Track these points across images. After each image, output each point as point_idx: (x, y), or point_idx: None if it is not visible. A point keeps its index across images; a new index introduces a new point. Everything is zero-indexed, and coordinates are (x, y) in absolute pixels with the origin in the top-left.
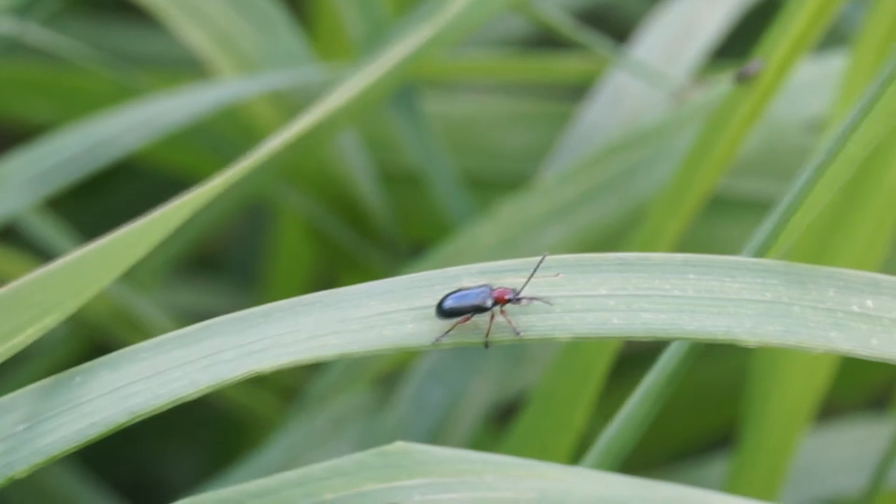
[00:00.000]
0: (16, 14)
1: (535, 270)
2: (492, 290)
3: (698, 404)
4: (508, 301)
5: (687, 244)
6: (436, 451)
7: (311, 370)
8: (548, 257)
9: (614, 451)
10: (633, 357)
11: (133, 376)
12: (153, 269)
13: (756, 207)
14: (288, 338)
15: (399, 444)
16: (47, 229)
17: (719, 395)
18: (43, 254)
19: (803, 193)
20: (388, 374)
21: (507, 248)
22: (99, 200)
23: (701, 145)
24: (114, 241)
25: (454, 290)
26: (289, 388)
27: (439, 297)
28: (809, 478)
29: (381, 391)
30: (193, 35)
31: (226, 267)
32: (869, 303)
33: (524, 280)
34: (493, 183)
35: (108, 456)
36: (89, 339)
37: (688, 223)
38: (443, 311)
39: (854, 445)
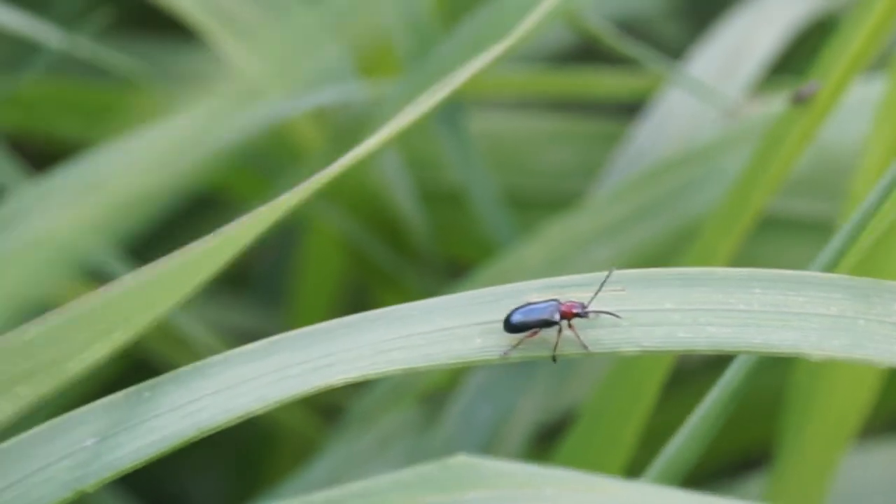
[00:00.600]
0: (64, 29)
1: (602, 285)
2: (559, 304)
3: (734, 420)
4: (576, 315)
5: (737, 263)
6: (497, 464)
7: (352, 389)
8: (613, 272)
9: (676, 467)
10: (680, 375)
11: (200, 392)
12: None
13: (806, 227)
14: (354, 353)
15: (461, 458)
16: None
17: (756, 411)
18: (91, 274)
19: (870, 213)
20: (432, 393)
21: (554, 268)
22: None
23: (756, 165)
24: (183, 263)
25: (522, 304)
26: (327, 406)
27: (506, 312)
28: (849, 499)
29: (427, 410)
30: (236, 51)
31: (253, 283)
32: None
33: (590, 295)
34: (536, 202)
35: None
36: (129, 356)
37: (740, 243)
38: (510, 326)
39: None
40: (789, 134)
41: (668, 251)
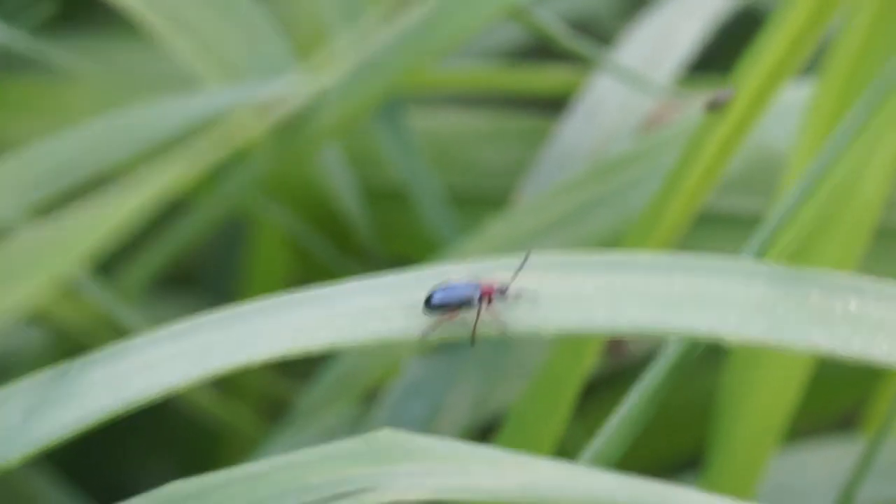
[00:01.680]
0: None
1: (521, 265)
2: (479, 284)
3: (666, 425)
4: (495, 294)
5: None
6: (423, 439)
7: (292, 385)
8: (534, 257)
9: (608, 454)
10: (608, 379)
11: (126, 368)
12: (137, 281)
13: (743, 224)
14: (278, 332)
15: (387, 432)
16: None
17: (687, 415)
18: None
19: (788, 215)
20: (374, 390)
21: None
22: None
23: (676, 172)
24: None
25: (442, 284)
26: (270, 403)
27: (427, 292)
28: (778, 499)
29: (365, 408)
30: (178, 44)
31: (199, 284)
32: (853, 305)
33: (510, 276)
34: (478, 199)
35: (78, 462)
36: (72, 351)
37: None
38: (431, 306)
39: (823, 467)
40: (708, 141)
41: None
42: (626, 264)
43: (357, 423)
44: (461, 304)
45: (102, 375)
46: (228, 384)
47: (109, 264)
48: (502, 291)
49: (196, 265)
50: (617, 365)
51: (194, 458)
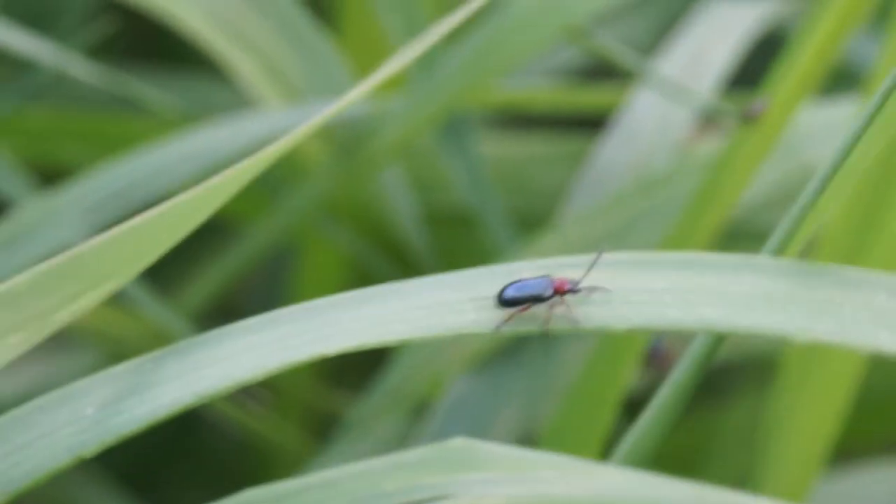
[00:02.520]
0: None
1: (593, 263)
2: (552, 280)
3: (715, 450)
4: (568, 291)
5: None
6: (494, 447)
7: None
8: (605, 255)
9: (642, 450)
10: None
11: (200, 362)
12: (196, 303)
13: None
14: (352, 324)
15: (459, 441)
16: None
17: (737, 441)
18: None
19: (815, 196)
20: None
21: None
22: None
23: (708, 186)
24: (166, 212)
25: (514, 280)
26: (316, 419)
27: (499, 288)
28: None
29: (412, 424)
30: (241, 67)
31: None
32: None
33: (582, 274)
34: (527, 221)
35: (126, 481)
36: None
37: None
38: (503, 301)
39: (874, 487)
40: (741, 152)
41: None
42: (695, 263)
43: (406, 438)
44: (533, 300)
45: (175, 369)
46: (275, 398)
47: (167, 288)
48: (574, 287)
49: (240, 298)
50: (660, 377)
51: (243, 478)
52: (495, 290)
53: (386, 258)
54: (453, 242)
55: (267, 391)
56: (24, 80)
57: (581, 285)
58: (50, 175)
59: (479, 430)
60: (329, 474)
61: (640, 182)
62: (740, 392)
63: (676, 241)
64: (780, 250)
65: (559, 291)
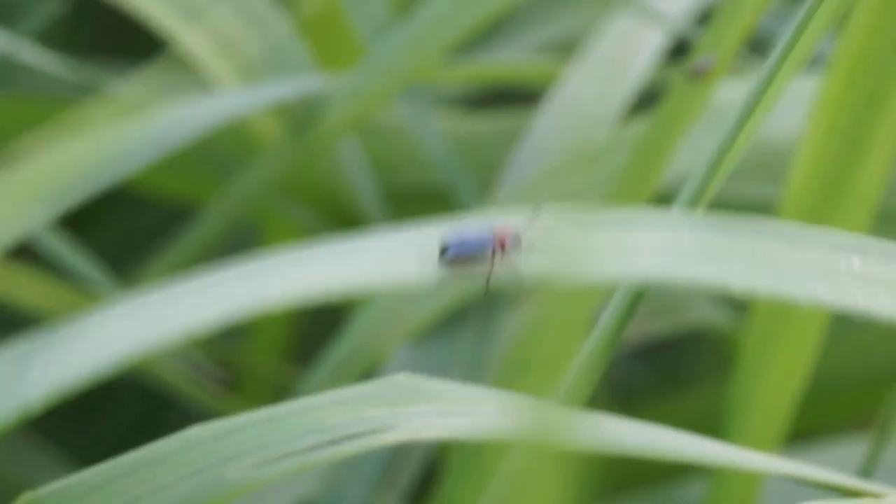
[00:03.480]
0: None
1: (534, 215)
2: (493, 233)
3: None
4: (509, 244)
5: None
6: (436, 383)
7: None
8: (545, 214)
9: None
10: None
11: (145, 318)
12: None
13: (750, 209)
14: (298, 278)
15: (402, 376)
16: (60, 248)
17: (701, 419)
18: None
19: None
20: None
21: None
22: (102, 233)
23: (646, 148)
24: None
25: (458, 233)
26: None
27: (442, 241)
28: (787, 497)
29: None
30: (193, 41)
31: None
32: (856, 261)
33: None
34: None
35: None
36: None
37: None
38: (447, 255)
39: (832, 464)
40: (683, 111)
41: None
42: (636, 220)
43: None
44: (476, 254)
45: (120, 328)
46: (233, 376)
47: (125, 268)
48: (516, 240)
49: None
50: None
51: None
52: (439, 244)
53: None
54: (411, 219)
55: (225, 370)
56: None
57: (523, 239)
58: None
59: None
60: (272, 411)
61: (576, 156)
62: (697, 378)
63: (620, 195)
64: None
65: (501, 244)
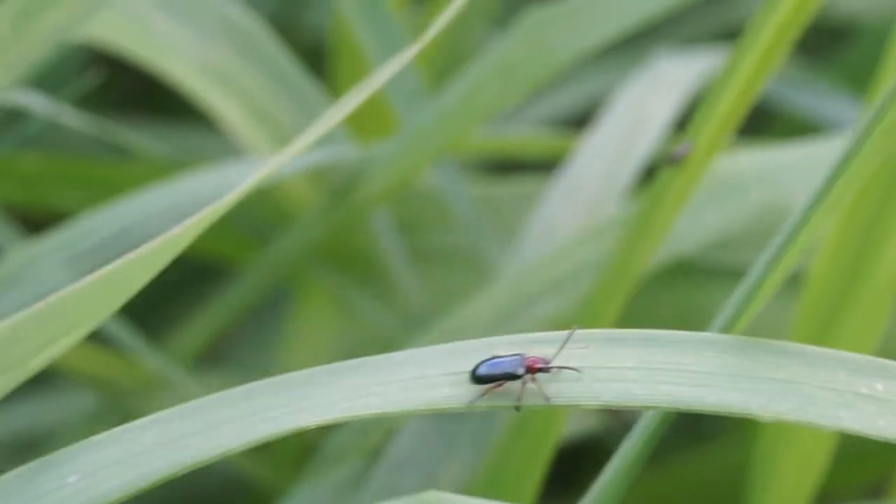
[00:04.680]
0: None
1: (565, 342)
2: (524, 358)
3: (698, 500)
4: (539, 370)
5: (684, 313)
6: (469, 500)
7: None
8: (576, 331)
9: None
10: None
11: (181, 431)
12: (188, 351)
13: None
14: (330, 398)
15: (433, 493)
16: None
17: (720, 490)
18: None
19: (772, 264)
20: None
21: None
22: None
23: (635, 230)
24: (132, 261)
25: (488, 357)
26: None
27: (473, 365)
28: None
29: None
30: (229, 112)
31: (235, 362)
32: (878, 386)
33: (553, 351)
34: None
35: None
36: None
37: (631, 296)
38: (477, 378)
39: None
40: (668, 192)
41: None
42: (660, 340)
43: (359, 483)
44: (506, 377)
45: (156, 438)
46: None
47: (162, 333)
48: (545, 366)
49: (237, 341)
50: (620, 425)
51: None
52: (470, 366)
53: (375, 298)
54: (440, 282)
55: None
56: (16, 129)
57: (552, 363)
58: (41, 223)
59: (428, 479)
60: None
61: (584, 231)
62: (719, 435)
63: (605, 288)
64: (729, 326)
65: (531, 370)
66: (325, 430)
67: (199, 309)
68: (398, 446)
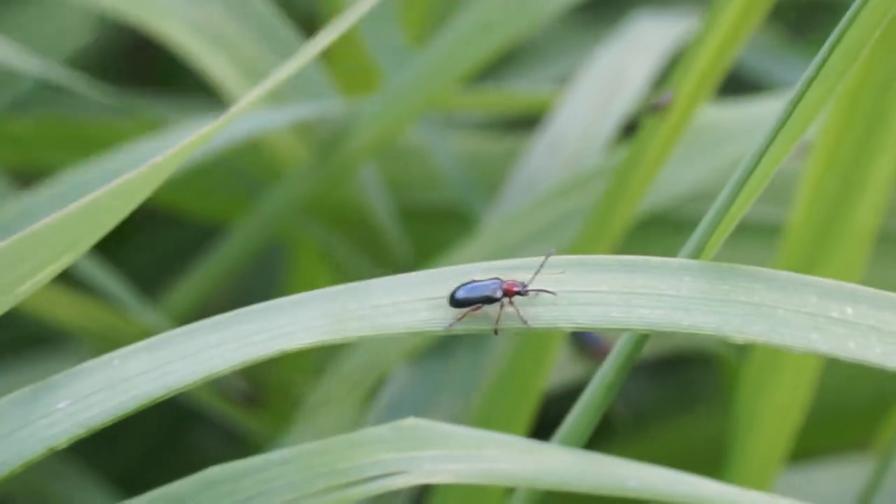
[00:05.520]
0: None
1: (541, 266)
2: (502, 282)
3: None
4: (517, 293)
5: None
6: (444, 427)
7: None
8: (553, 257)
9: (577, 434)
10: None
11: (169, 357)
12: (183, 307)
13: (759, 230)
14: (313, 322)
15: (412, 420)
16: (90, 267)
17: (703, 455)
18: (84, 288)
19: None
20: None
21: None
22: (129, 252)
23: (618, 179)
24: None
25: (466, 281)
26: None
27: (451, 289)
28: None
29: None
30: (216, 64)
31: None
32: (849, 310)
33: (531, 275)
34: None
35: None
36: None
37: (615, 249)
38: (455, 301)
39: (835, 483)
40: (650, 143)
41: None
42: (637, 266)
43: (356, 422)
44: (483, 300)
45: (145, 363)
46: (257, 386)
47: (154, 285)
48: (523, 289)
49: (223, 305)
50: (595, 365)
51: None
52: (448, 290)
53: (364, 254)
54: (427, 236)
55: (250, 384)
56: (7, 91)
57: (529, 287)
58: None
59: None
60: (287, 452)
61: (565, 183)
62: (705, 396)
63: (590, 235)
64: (699, 247)
65: (509, 293)
66: (314, 385)
67: (193, 267)
68: (390, 387)
